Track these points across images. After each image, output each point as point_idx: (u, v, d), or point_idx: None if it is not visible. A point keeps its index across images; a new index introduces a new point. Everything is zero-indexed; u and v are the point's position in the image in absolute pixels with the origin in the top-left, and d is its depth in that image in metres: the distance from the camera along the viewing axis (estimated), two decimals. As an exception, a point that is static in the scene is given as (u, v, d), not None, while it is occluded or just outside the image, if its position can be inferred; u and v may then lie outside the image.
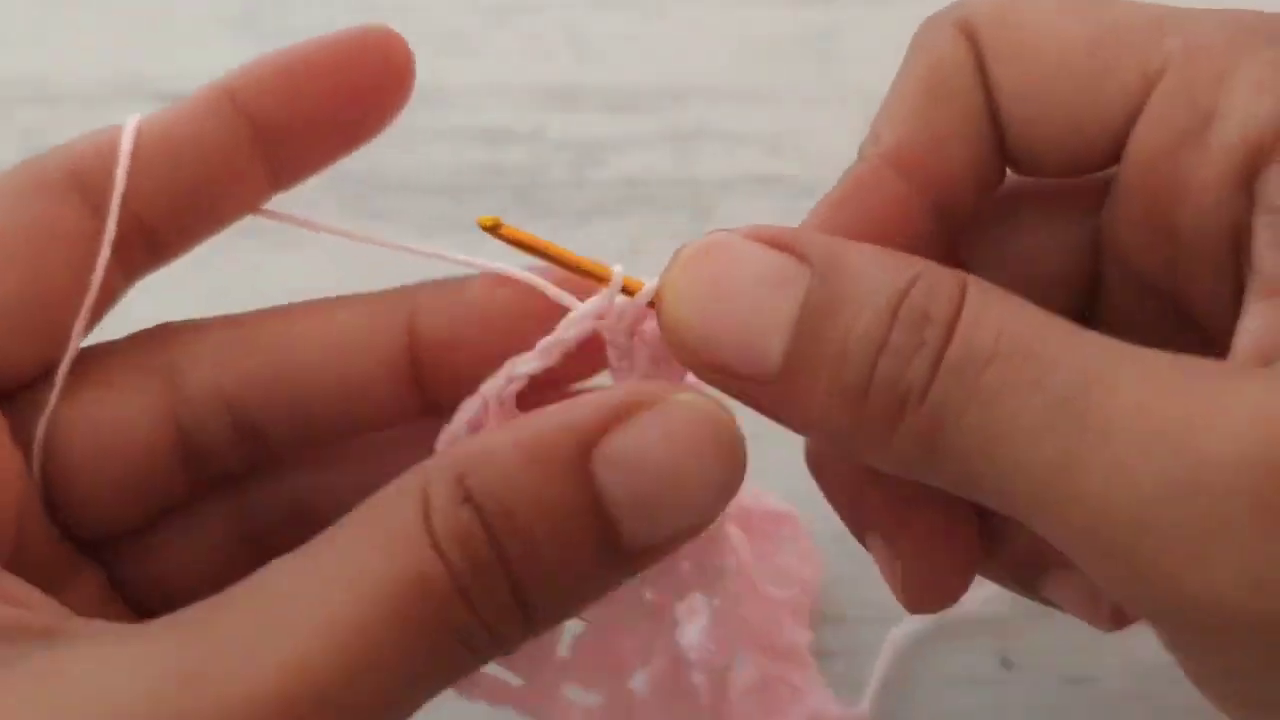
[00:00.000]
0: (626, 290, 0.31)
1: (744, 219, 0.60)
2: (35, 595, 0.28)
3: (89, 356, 0.32)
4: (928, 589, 0.34)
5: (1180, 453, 0.24)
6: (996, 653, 0.48)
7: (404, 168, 0.61)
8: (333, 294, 0.34)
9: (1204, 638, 0.25)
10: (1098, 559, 0.26)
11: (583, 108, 0.64)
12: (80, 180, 0.31)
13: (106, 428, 0.31)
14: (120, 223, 0.31)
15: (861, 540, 0.34)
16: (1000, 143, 0.32)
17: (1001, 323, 0.26)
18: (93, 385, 0.31)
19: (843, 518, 0.35)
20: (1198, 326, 0.31)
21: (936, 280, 0.27)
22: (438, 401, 0.32)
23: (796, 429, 0.30)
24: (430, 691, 0.28)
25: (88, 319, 0.31)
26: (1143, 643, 0.51)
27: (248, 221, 0.60)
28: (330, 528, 0.28)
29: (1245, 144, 0.27)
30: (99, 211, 0.31)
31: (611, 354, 0.32)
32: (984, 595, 0.45)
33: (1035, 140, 0.31)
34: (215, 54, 0.66)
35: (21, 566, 0.29)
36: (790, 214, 0.59)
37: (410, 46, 0.33)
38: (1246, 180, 0.27)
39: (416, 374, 0.32)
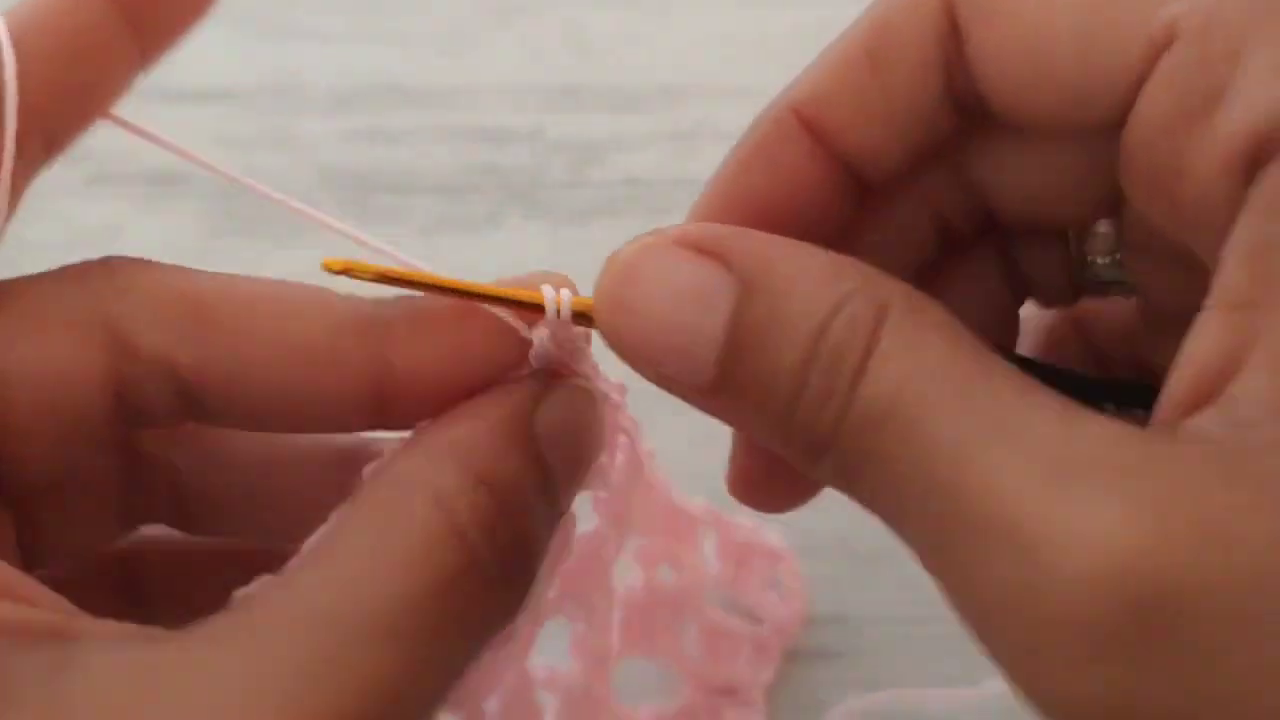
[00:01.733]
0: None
1: (744, 219, 0.60)
2: (42, 593, 0.27)
3: (17, 288, 0.31)
4: (755, 485, 0.35)
5: (1022, 561, 0.23)
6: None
7: (404, 168, 0.61)
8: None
9: None
10: (968, 626, 0.26)
11: (583, 108, 0.64)
12: None
13: (43, 377, 0.30)
14: (19, 116, 0.30)
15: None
16: (954, 111, 0.31)
17: (905, 374, 0.26)
18: (29, 326, 0.30)
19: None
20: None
21: (856, 311, 0.27)
22: (394, 423, 0.32)
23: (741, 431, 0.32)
24: (457, 679, 0.28)
25: (2, 221, 0.30)
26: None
27: (247, 221, 0.61)
28: (336, 534, 0.28)
29: (1251, 134, 0.26)
30: None
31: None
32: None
33: (1026, 107, 0.30)
34: (215, 53, 0.66)
35: None
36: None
37: None
38: (1248, 172, 0.26)
39: (380, 399, 0.31)
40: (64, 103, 0.31)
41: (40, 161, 0.32)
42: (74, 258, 0.31)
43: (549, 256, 0.59)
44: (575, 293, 0.31)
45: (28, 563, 0.32)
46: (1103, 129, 0.29)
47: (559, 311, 0.31)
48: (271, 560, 0.36)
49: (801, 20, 0.65)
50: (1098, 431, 0.25)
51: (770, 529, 0.48)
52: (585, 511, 0.34)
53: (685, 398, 0.29)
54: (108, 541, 0.36)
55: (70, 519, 0.34)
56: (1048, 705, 0.24)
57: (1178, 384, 0.26)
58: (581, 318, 0.31)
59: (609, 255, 0.29)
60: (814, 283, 0.27)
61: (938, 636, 0.49)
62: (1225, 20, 0.27)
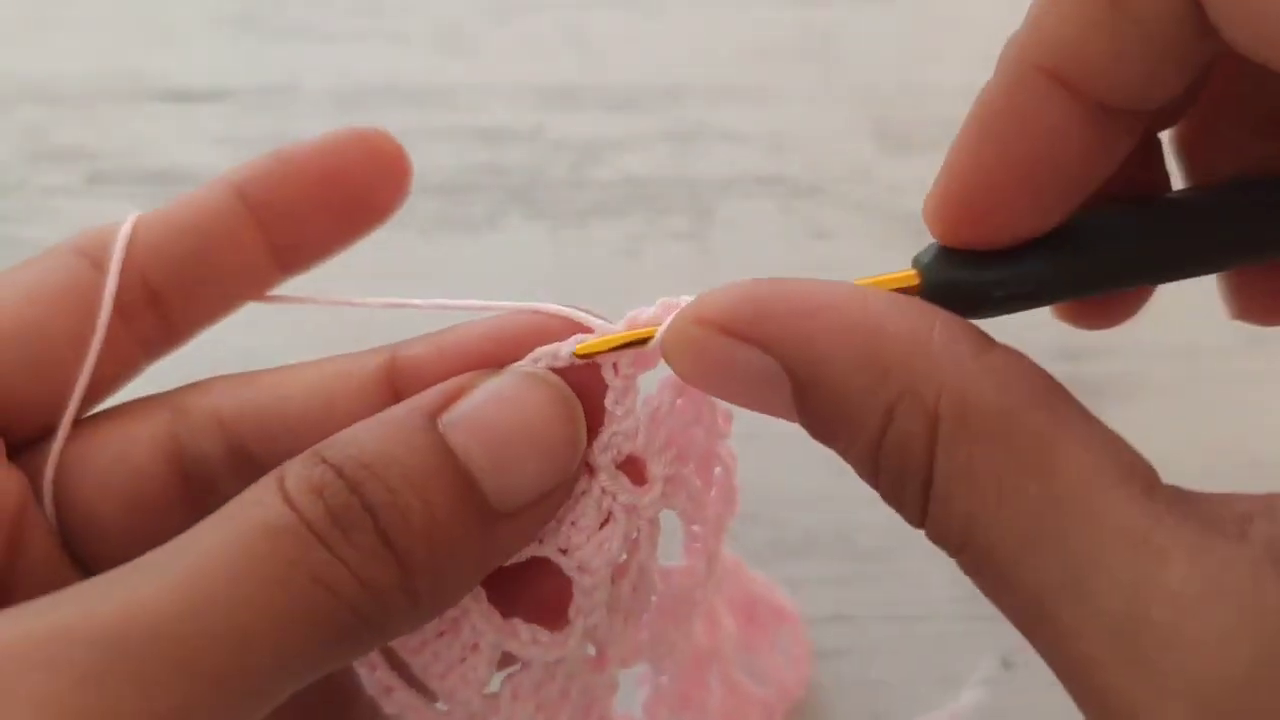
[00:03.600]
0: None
1: (744, 219, 0.60)
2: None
3: (109, 409, 0.34)
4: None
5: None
6: (996, 653, 0.49)
7: (404, 168, 0.61)
8: (358, 321, 0.36)
9: None
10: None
11: (583, 108, 0.64)
12: (83, 245, 0.33)
13: (113, 450, 0.32)
14: (126, 284, 0.33)
15: None
16: (1204, 43, 0.28)
17: (965, 516, 0.26)
18: (105, 422, 0.33)
19: None
20: None
21: (907, 426, 0.27)
22: None
23: None
24: (307, 637, 0.27)
25: (92, 365, 0.33)
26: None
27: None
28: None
29: None
30: (102, 270, 0.33)
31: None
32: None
33: (1258, 42, 0.27)
34: (215, 54, 0.66)
35: (30, 589, 0.30)
36: (790, 213, 0.59)
37: (403, 148, 0.36)
38: None
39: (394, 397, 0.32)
40: (174, 275, 0.33)
41: (157, 339, 0.34)
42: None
43: (549, 256, 0.59)
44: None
45: None
46: None
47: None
48: None
49: (802, 20, 0.65)
50: (1169, 579, 0.24)
51: (780, 588, 0.46)
52: (676, 546, 0.34)
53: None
54: None
55: None
56: None
57: None
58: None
59: (662, 329, 0.30)
60: (861, 383, 0.27)
61: (938, 636, 0.49)
62: None
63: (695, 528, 0.34)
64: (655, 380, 0.32)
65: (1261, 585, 0.24)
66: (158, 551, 0.27)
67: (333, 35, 0.67)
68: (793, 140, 0.61)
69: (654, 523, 0.33)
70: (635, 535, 0.32)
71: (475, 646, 0.32)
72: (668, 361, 0.30)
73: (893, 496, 0.27)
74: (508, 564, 0.31)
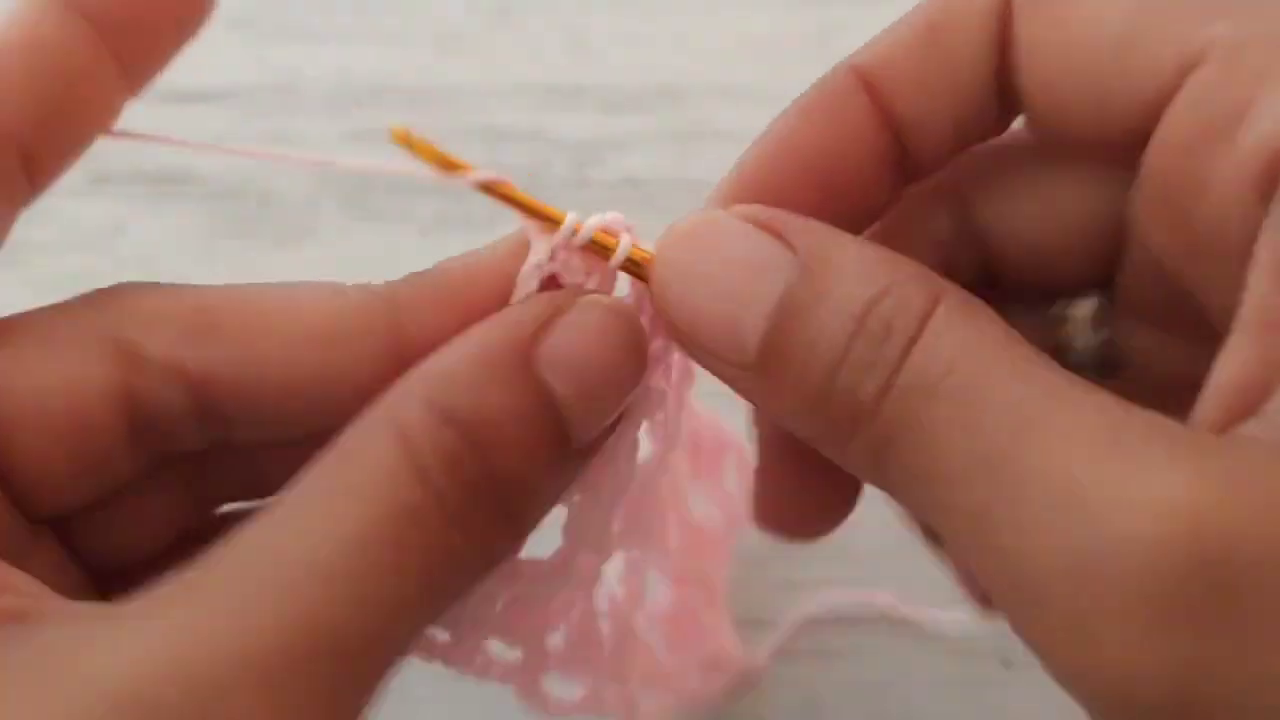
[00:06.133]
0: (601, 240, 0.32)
1: (744, 219, 0.60)
2: (16, 577, 0.27)
3: (27, 319, 0.31)
4: (782, 511, 0.36)
5: (1083, 525, 0.23)
6: (996, 653, 0.48)
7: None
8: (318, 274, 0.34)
9: (1092, 713, 0.25)
10: (1006, 608, 0.26)
11: (583, 108, 0.64)
12: None
13: (52, 393, 0.30)
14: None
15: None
16: (998, 96, 0.31)
17: (955, 354, 0.26)
18: (35, 345, 0.30)
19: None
20: (1209, 318, 0.29)
21: (909, 293, 0.27)
22: None
23: (771, 418, 0.32)
24: (430, 619, 0.28)
25: None
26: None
27: (247, 222, 0.61)
28: (304, 477, 0.27)
29: (1273, 152, 0.26)
30: None
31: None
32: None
33: (1057, 106, 0.30)
34: (215, 53, 0.66)
35: None
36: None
37: None
38: (1268, 189, 0.26)
39: (403, 371, 0.31)
40: (43, 128, 0.30)
41: (24, 194, 0.31)
42: (74, 258, 0.32)
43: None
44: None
45: (96, 570, 0.32)
46: (1126, 145, 0.29)
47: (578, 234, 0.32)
48: None
49: (802, 21, 0.65)
50: (1149, 414, 0.25)
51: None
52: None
53: (723, 375, 0.29)
54: (167, 535, 0.34)
55: (130, 523, 0.33)
56: (1101, 683, 0.24)
57: (1211, 402, 0.26)
58: (635, 267, 0.31)
59: (672, 222, 0.30)
60: (868, 266, 0.28)
61: (938, 636, 0.49)
62: (1255, 43, 0.27)
63: (658, 416, 0.34)
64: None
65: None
66: (283, 533, 0.26)
67: (333, 35, 0.67)
68: (793, 140, 0.61)
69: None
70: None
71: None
72: (661, 253, 0.30)
73: (866, 357, 0.27)
74: None
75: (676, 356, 0.33)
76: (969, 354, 0.26)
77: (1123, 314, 0.33)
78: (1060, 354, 0.34)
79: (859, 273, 0.28)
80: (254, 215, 0.59)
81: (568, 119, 0.63)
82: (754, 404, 0.30)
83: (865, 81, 0.31)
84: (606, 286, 0.32)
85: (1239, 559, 0.22)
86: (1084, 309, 0.34)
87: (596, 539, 0.33)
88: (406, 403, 0.28)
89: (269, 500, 0.28)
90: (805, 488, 0.35)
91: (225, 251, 0.59)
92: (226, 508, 0.36)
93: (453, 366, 0.29)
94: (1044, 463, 0.24)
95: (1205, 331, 0.28)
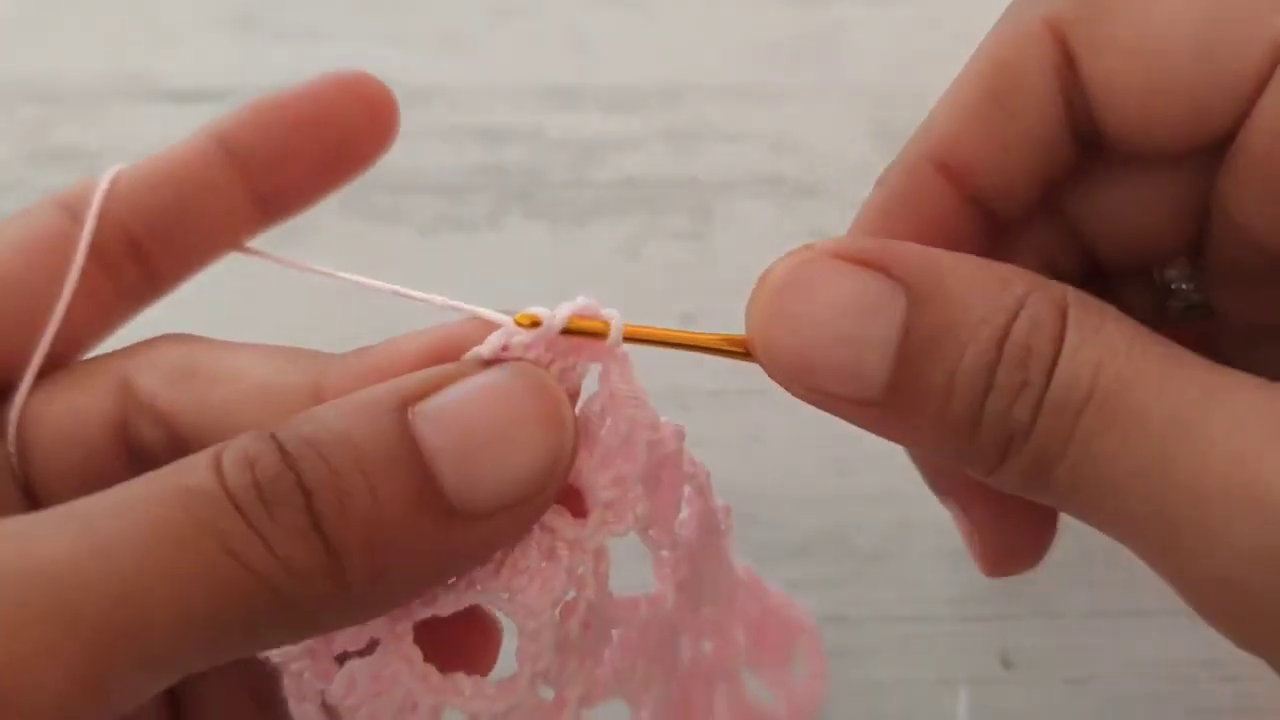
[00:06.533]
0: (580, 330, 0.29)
1: (744, 219, 0.60)
2: None
3: (78, 362, 0.34)
4: (1002, 556, 0.35)
5: (1270, 520, 0.24)
6: (996, 653, 0.48)
7: (404, 168, 0.61)
8: (331, 294, 0.34)
9: None
10: (1199, 606, 0.26)
11: (583, 108, 0.64)
12: (64, 198, 0.33)
13: (66, 419, 0.32)
14: (106, 235, 0.33)
15: (942, 501, 0.35)
16: (1073, 137, 0.31)
17: (1099, 358, 0.26)
18: (69, 379, 0.33)
19: (926, 481, 0.35)
20: None
21: (1038, 311, 0.27)
22: None
23: (907, 446, 0.31)
24: (213, 607, 0.26)
25: (61, 313, 0.33)
26: (1143, 643, 0.52)
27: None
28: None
29: None
30: (80, 221, 0.33)
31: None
32: (984, 595, 0.45)
33: (1145, 128, 0.30)
34: (215, 53, 0.66)
35: None
36: (790, 214, 0.59)
37: (391, 92, 0.35)
38: None
39: None
40: (154, 225, 0.33)
41: (138, 289, 0.34)
42: (74, 258, 0.32)
43: (549, 256, 0.59)
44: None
45: None
46: (1219, 142, 0.29)
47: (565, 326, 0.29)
48: None
49: (802, 21, 0.65)
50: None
51: (799, 605, 0.44)
52: (647, 572, 0.33)
53: (848, 416, 0.29)
54: None
55: None
56: None
57: None
58: (733, 345, 0.29)
59: (761, 273, 0.29)
60: (986, 288, 0.28)
61: (937, 636, 0.49)
62: None
63: (664, 553, 0.32)
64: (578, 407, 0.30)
65: None
66: (81, 500, 0.26)
67: (333, 35, 0.67)
68: (793, 140, 0.61)
69: (600, 554, 0.31)
70: (580, 570, 0.30)
71: (413, 707, 0.30)
72: (761, 305, 0.28)
73: (1010, 383, 0.27)
74: (446, 615, 0.30)
75: (700, 507, 0.32)
76: (1111, 362, 0.26)
77: (1213, 276, 0.33)
78: (1162, 314, 0.35)
79: (980, 297, 0.27)
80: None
81: (568, 119, 0.63)
82: (883, 435, 0.29)
83: (940, 167, 0.31)
84: (622, 369, 0.30)
85: None
86: (1176, 273, 0.34)
87: (576, 684, 0.32)
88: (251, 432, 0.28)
89: None
90: (1016, 539, 0.35)
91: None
92: None
93: (318, 407, 0.28)
94: (1214, 463, 0.24)
95: None
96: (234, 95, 0.66)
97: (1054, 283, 0.28)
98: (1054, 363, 0.27)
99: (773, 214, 0.60)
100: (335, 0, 0.68)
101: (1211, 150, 0.30)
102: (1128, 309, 0.35)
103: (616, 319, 0.29)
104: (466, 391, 0.28)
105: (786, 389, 0.29)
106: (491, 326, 0.29)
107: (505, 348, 0.29)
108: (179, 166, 0.34)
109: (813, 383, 0.28)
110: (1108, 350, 0.26)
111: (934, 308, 0.27)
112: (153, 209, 0.33)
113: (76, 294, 0.33)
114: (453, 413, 0.28)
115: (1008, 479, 0.28)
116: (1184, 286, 0.34)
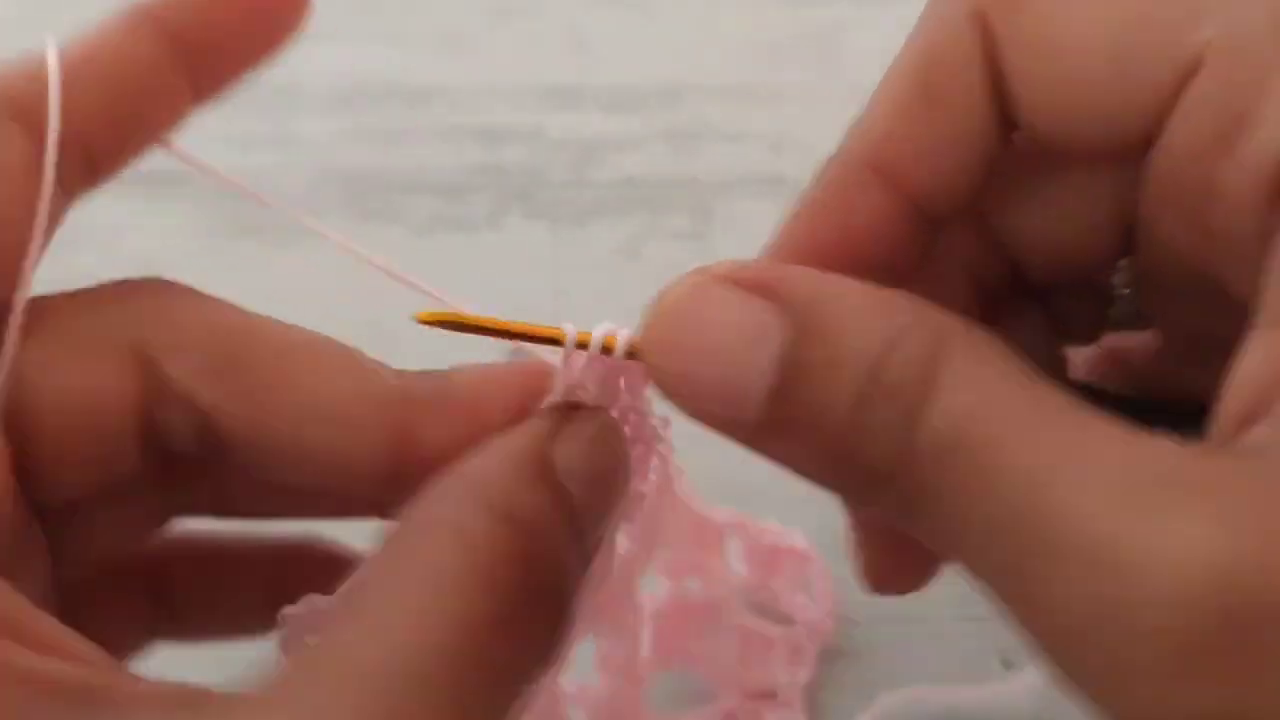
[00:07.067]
0: (597, 345, 0.31)
1: (744, 219, 0.60)
2: (79, 643, 0.27)
3: (56, 307, 0.31)
4: (886, 573, 0.35)
5: (1110, 581, 0.23)
6: (996, 653, 0.48)
7: (403, 167, 0.61)
8: (331, 293, 0.34)
9: None
10: (1045, 658, 0.26)
11: (583, 108, 0.64)
12: (15, 106, 0.31)
13: (74, 397, 0.30)
14: (60, 145, 0.31)
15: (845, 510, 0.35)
16: (1003, 136, 0.31)
17: (965, 409, 0.26)
18: (66, 348, 0.31)
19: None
20: (1233, 300, 0.29)
21: (915, 347, 0.26)
22: (405, 497, 0.30)
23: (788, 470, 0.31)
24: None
25: (38, 252, 0.31)
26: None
27: (247, 221, 0.60)
28: (366, 582, 0.27)
29: (1277, 158, 0.26)
30: (37, 135, 0.31)
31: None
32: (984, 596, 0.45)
33: (1057, 130, 0.30)
34: (215, 54, 0.66)
35: None
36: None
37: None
38: (1278, 196, 0.26)
39: (396, 472, 0.31)
40: (108, 131, 0.32)
41: (82, 185, 0.32)
42: (74, 257, 0.32)
43: (549, 257, 0.59)
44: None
45: (57, 570, 0.32)
46: (1131, 152, 0.29)
47: (602, 347, 0.31)
48: (301, 558, 0.36)
49: (802, 21, 0.65)
50: (1163, 450, 0.24)
51: (796, 532, 0.47)
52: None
53: (731, 436, 0.29)
54: (140, 540, 0.35)
55: (102, 527, 0.33)
56: None
57: (1231, 401, 0.26)
58: (633, 356, 0.30)
59: (658, 291, 0.29)
60: (867, 319, 0.27)
61: (938, 636, 0.49)
62: (1251, 46, 0.27)
63: (637, 517, 0.34)
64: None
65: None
66: (369, 643, 0.25)
67: (333, 35, 0.66)
68: (793, 140, 0.61)
69: None
70: None
71: None
72: (653, 325, 0.29)
73: (878, 424, 0.27)
74: None
75: (656, 462, 0.33)
76: (976, 416, 0.26)
77: (1143, 285, 0.33)
78: (1107, 307, 0.34)
79: (856, 328, 0.27)
80: (253, 217, 0.59)
81: (568, 119, 0.63)
82: (765, 458, 0.29)
83: (872, 164, 0.31)
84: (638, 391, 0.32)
85: (1260, 606, 0.22)
86: (1120, 278, 0.34)
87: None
88: (459, 505, 0.27)
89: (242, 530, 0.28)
90: (902, 555, 0.35)
91: (224, 252, 0.59)
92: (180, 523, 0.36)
93: (490, 470, 0.28)
94: (1063, 522, 0.24)
95: (1223, 302, 0.28)
96: (234, 95, 0.66)
97: (940, 315, 0.27)
98: (920, 407, 0.26)
99: (773, 214, 0.59)
100: (335, 0, 0.68)
101: (1133, 156, 0.29)
102: (1066, 315, 0.35)
103: (623, 333, 0.30)
104: (585, 444, 0.30)
105: (672, 405, 0.29)
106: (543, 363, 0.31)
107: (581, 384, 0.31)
108: (121, 56, 0.32)
109: (695, 405, 0.28)
110: (977, 400, 0.26)
111: (814, 337, 0.27)
112: (104, 109, 0.32)
113: (22, 201, 0.31)
114: (578, 465, 0.29)
115: (880, 511, 0.28)
116: (1125, 293, 0.34)
